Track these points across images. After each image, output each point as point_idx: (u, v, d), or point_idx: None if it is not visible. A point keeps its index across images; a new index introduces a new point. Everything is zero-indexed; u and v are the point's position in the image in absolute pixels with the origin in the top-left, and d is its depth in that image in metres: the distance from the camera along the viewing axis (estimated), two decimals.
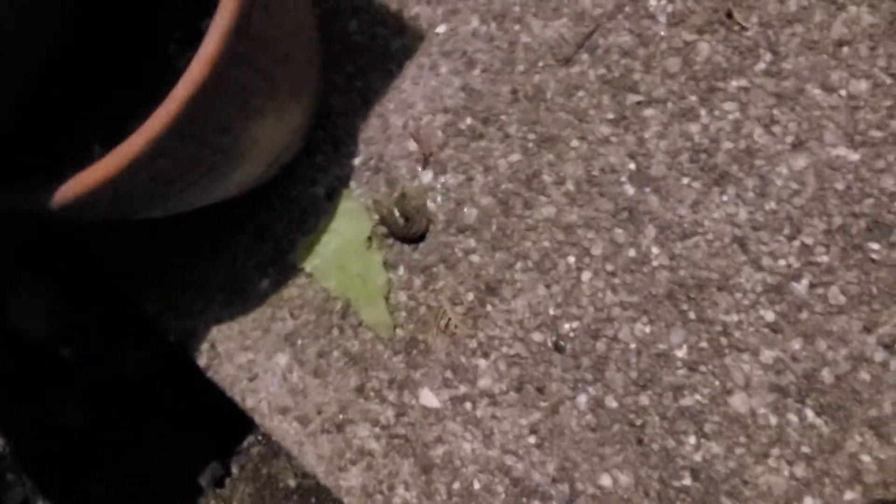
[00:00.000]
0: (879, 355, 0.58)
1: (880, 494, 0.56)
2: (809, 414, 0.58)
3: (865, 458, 0.57)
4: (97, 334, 0.80)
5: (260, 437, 0.87)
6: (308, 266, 0.71)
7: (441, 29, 0.74)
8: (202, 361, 0.72)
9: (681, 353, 0.62)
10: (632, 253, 0.64)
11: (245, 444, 0.88)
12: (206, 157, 0.54)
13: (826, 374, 0.59)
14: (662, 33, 0.68)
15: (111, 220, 0.64)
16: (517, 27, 0.71)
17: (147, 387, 0.79)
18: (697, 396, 0.61)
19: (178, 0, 0.63)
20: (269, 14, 0.52)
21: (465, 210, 0.69)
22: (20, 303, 0.76)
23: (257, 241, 0.74)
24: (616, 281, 0.64)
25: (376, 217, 0.70)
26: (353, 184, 0.73)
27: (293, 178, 0.74)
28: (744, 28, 0.66)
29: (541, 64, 0.70)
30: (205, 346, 0.73)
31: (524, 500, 0.62)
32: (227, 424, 0.83)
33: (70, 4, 0.62)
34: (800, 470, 0.58)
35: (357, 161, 0.73)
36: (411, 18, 0.75)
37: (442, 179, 0.70)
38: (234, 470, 0.86)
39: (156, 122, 0.48)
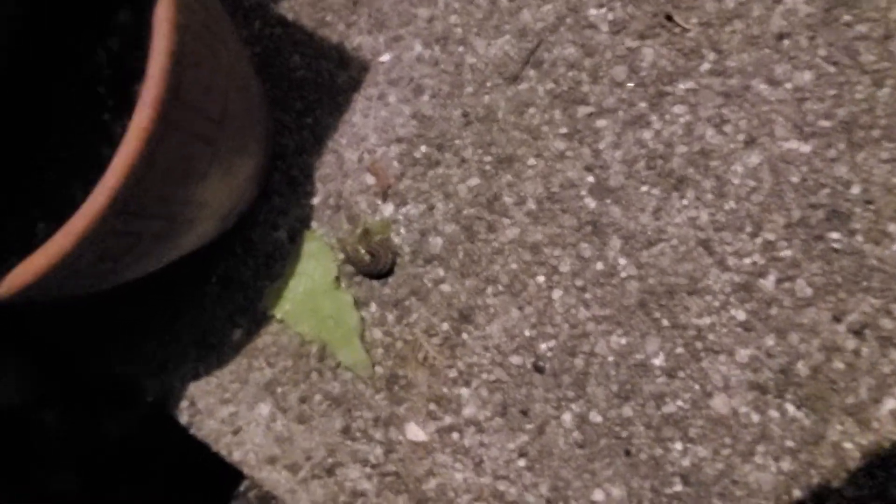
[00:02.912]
0: (850, 343, 0.59)
1: (864, 480, 0.57)
2: (790, 408, 0.59)
3: (848, 445, 0.58)
4: (77, 398, 0.78)
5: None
6: (279, 312, 0.70)
7: (385, 57, 0.73)
8: (183, 419, 0.72)
9: (658, 361, 0.62)
10: (599, 266, 0.65)
11: (242, 487, 0.87)
12: (154, 229, 0.53)
13: (801, 367, 0.59)
14: (606, 42, 0.67)
15: (62, 299, 0.61)
16: (461, 48, 0.71)
17: (135, 445, 0.78)
18: (679, 402, 0.61)
19: (107, 66, 0.61)
20: (200, 75, 0.51)
21: (430, 240, 0.68)
22: None
23: (224, 290, 0.73)
24: (587, 296, 0.64)
25: (341, 256, 0.69)
26: (314, 224, 0.72)
27: (253, 223, 0.73)
28: (685, 29, 0.66)
29: (489, 84, 0.70)
30: (184, 404, 0.72)
31: None
32: (222, 470, 0.82)
33: None
34: (786, 464, 0.58)
35: (316, 200, 0.72)
36: (354, 49, 0.74)
37: (403, 211, 0.70)
38: None
39: (96, 201, 0.46)
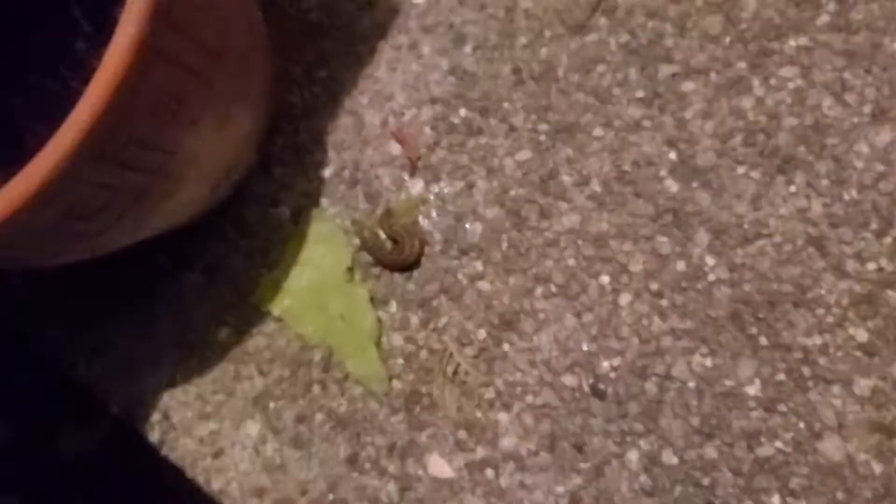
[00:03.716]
0: None
1: None
2: None
3: None
4: (29, 409, 0.71)
5: None
6: (276, 309, 0.63)
7: None
8: (154, 436, 0.64)
9: (753, 389, 0.54)
10: (681, 266, 0.57)
11: None
12: (133, 182, 0.48)
13: None
14: None
15: (15, 268, 0.59)
16: None
17: (94, 466, 0.70)
18: (778, 444, 0.53)
19: None
20: None
21: (467, 226, 0.62)
22: None
23: (211, 280, 0.66)
24: (664, 303, 0.56)
25: (357, 242, 0.63)
26: (324, 201, 0.65)
27: (249, 198, 0.67)
28: None
29: (548, 34, 0.63)
30: (156, 417, 0.64)
31: None
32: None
33: None
34: None
35: (328, 172, 0.66)
36: None
37: (435, 189, 0.63)
38: None
39: (64, 140, 0.42)
